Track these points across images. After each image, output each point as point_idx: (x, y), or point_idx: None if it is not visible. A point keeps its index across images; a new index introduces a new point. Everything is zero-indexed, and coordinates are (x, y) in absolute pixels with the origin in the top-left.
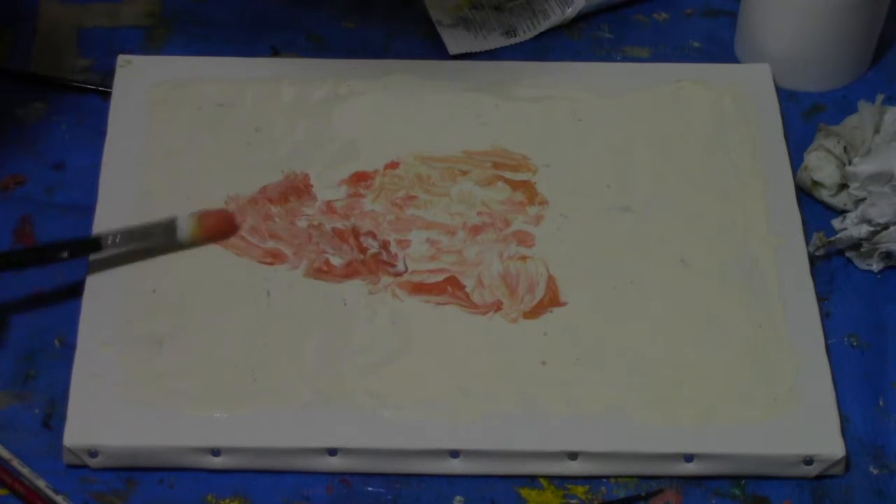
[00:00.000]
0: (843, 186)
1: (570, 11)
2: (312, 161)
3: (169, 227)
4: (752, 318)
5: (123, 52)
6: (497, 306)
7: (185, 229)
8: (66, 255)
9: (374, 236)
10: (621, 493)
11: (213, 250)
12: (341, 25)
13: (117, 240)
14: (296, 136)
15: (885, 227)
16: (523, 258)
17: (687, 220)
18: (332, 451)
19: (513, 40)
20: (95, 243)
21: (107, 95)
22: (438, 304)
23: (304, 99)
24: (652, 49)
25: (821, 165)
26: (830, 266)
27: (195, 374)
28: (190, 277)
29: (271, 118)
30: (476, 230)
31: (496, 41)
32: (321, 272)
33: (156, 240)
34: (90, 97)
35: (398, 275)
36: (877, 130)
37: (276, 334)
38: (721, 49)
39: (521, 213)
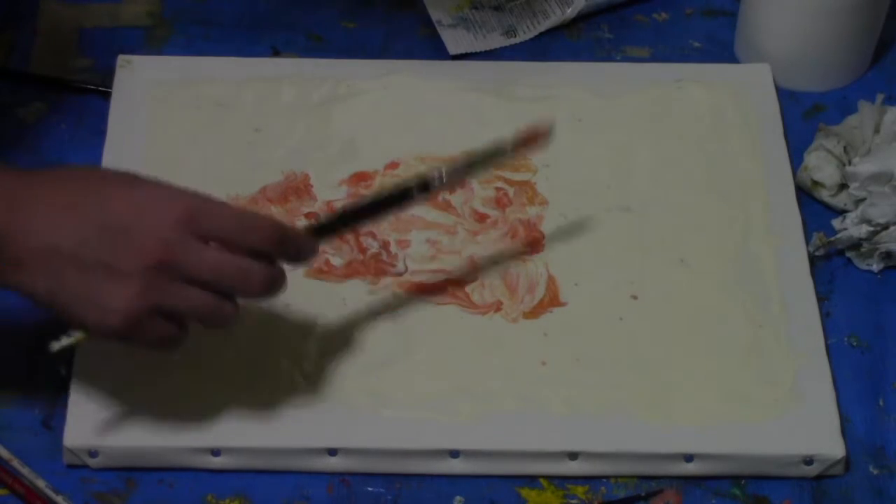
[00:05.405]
0: (843, 186)
1: (570, 11)
2: (312, 161)
3: (498, 148)
4: (752, 318)
5: (123, 52)
6: (497, 306)
7: (509, 146)
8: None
9: (374, 236)
10: (621, 493)
11: None
12: (341, 25)
13: (444, 178)
14: (296, 136)
15: (885, 227)
16: (523, 258)
17: (687, 220)
18: (332, 451)
19: (513, 40)
20: (424, 186)
21: (107, 95)
22: (438, 304)
23: (304, 99)
24: (652, 49)
25: (821, 165)
26: (830, 266)
27: (195, 374)
28: None
29: (271, 118)
30: (476, 230)
31: (496, 41)
32: (321, 272)
33: (486, 164)
34: (90, 97)
35: (398, 275)
36: (877, 130)
37: (275, 334)
38: (721, 49)
39: (521, 212)
